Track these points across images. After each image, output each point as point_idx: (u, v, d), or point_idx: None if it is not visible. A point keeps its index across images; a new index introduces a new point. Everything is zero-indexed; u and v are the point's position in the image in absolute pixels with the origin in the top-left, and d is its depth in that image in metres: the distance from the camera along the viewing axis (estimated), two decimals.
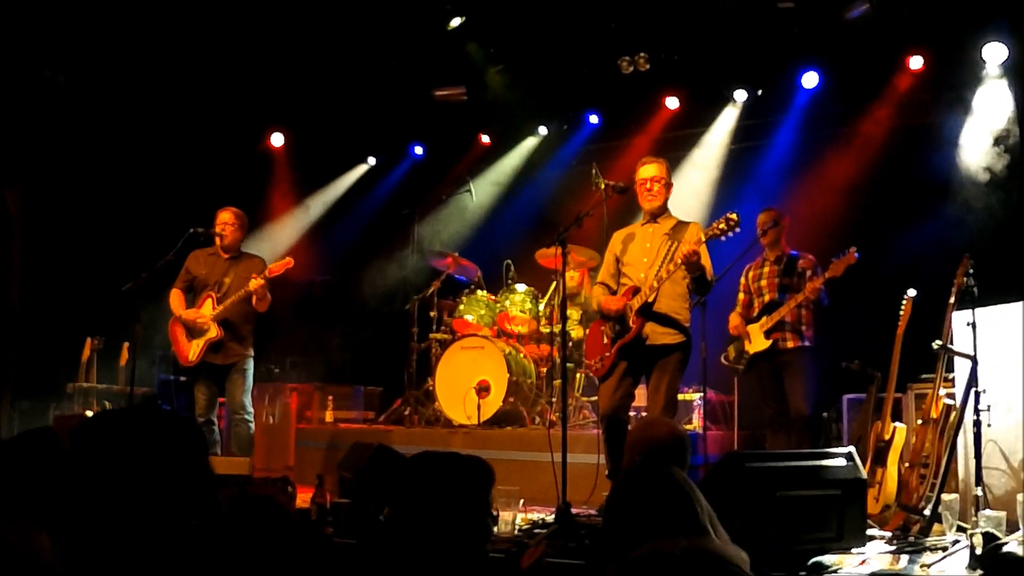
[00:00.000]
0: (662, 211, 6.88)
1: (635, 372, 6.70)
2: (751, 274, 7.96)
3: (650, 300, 6.50)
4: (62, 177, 10.32)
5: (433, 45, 10.30)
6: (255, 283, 7.71)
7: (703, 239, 6.36)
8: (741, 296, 8.02)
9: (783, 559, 4.63)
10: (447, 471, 2.98)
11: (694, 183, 10.43)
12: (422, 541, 2.84)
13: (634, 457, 4.51)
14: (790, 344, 7.51)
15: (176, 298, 8.05)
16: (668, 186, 6.90)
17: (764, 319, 7.58)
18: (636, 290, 6.62)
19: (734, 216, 6.27)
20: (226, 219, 8.06)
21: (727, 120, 10.56)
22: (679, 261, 6.36)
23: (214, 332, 7.84)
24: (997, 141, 8.62)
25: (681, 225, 6.78)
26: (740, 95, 10.28)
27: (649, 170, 6.85)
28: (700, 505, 2.64)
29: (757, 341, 7.61)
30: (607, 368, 6.68)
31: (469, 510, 2.91)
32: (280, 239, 11.58)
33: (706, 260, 6.52)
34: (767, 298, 7.70)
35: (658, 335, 6.55)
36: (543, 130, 11.65)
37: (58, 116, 10.19)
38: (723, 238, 6.33)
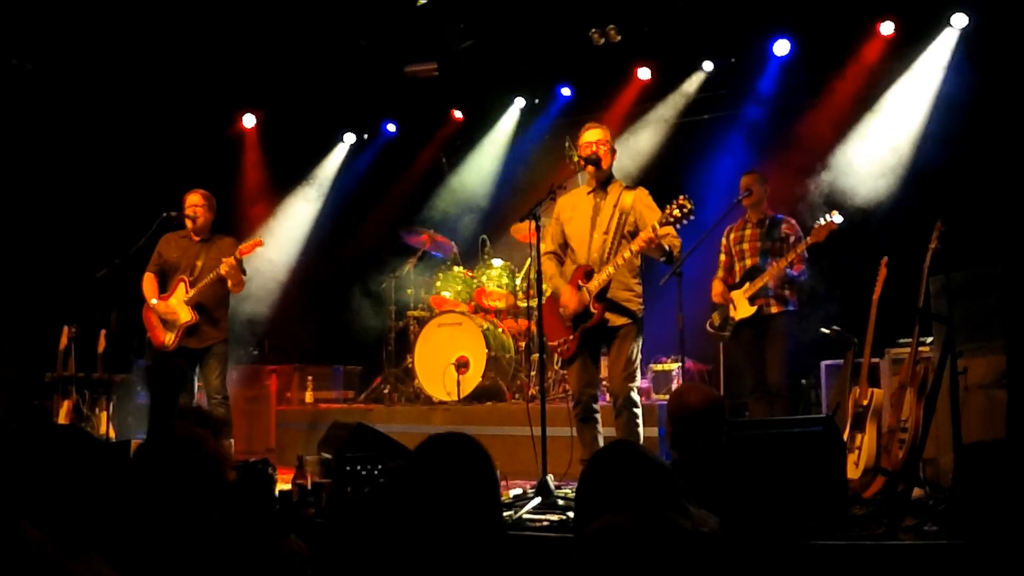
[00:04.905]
0: (608, 178, 6.71)
1: (596, 349, 6.67)
2: (732, 236, 7.92)
3: (607, 284, 6.42)
4: (33, 165, 10.23)
5: (403, 21, 10.22)
6: (226, 264, 7.64)
7: (658, 227, 6.19)
8: (722, 257, 7.98)
9: (763, 526, 4.64)
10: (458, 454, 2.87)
11: (665, 152, 10.43)
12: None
13: (670, 428, 4.52)
14: (774, 309, 7.50)
15: (148, 283, 7.98)
16: (613, 151, 6.73)
17: (747, 285, 7.56)
18: (588, 271, 6.50)
19: (687, 203, 6.15)
20: (196, 201, 7.97)
21: (699, 89, 10.54)
22: (635, 249, 6.29)
23: (188, 316, 7.78)
24: (961, 105, 8.62)
25: (628, 191, 6.62)
26: (711, 65, 10.27)
27: (593, 134, 6.64)
28: (669, 481, 2.64)
29: (742, 308, 7.59)
30: (573, 351, 6.61)
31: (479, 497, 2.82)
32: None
33: (662, 232, 6.30)
34: (749, 263, 7.68)
35: (616, 315, 6.48)
36: (522, 101, 11.62)
37: (27, 103, 10.09)
38: (678, 225, 6.28)
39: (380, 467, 5.75)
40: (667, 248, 6.33)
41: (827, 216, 7.30)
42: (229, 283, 7.77)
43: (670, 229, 6.29)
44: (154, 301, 7.87)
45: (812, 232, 7.33)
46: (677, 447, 4.51)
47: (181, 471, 2.87)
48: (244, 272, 7.94)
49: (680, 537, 2.04)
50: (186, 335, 7.81)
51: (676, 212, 6.17)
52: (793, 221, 7.75)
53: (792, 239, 7.59)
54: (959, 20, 8.89)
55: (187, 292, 7.80)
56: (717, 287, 7.86)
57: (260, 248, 8.06)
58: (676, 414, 4.51)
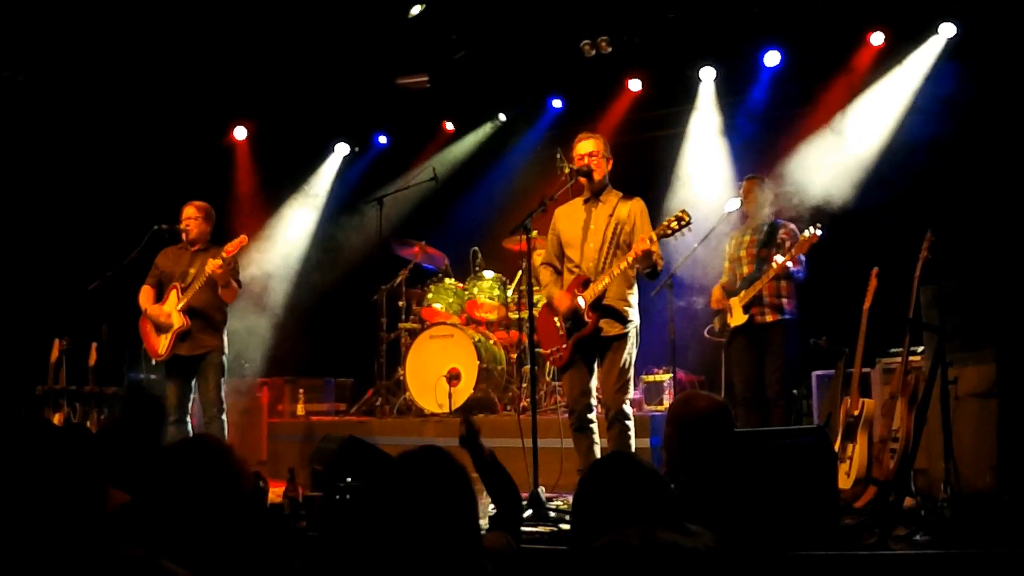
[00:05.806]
0: (603, 187, 6.69)
1: (590, 359, 6.58)
2: (733, 242, 7.94)
3: (602, 294, 6.39)
4: (25, 176, 10.21)
5: (395, 33, 10.24)
6: (211, 265, 7.57)
7: (655, 238, 6.21)
8: (727, 264, 8.01)
9: (756, 538, 4.63)
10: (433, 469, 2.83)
11: (661, 165, 10.44)
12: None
13: (672, 433, 4.50)
14: (768, 319, 7.49)
15: (145, 294, 7.95)
16: (607, 160, 6.69)
17: (743, 293, 7.58)
18: (585, 281, 6.47)
19: (686, 215, 6.20)
20: (189, 213, 7.96)
21: (692, 100, 10.57)
22: (631, 260, 6.27)
23: (179, 322, 7.73)
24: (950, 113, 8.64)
25: (623, 201, 6.61)
26: (703, 74, 10.30)
27: (586, 146, 6.65)
28: (665, 492, 2.63)
29: (737, 315, 7.60)
30: (567, 359, 6.58)
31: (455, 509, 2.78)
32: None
33: (656, 250, 6.32)
34: (745, 270, 7.69)
35: (610, 326, 6.44)
36: (502, 117, 11.75)
37: (19, 115, 10.09)
38: (675, 237, 6.29)
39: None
40: (654, 262, 6.33)
41: (810, 228, 7.31)
42: (219, 287, 7.72)
43: (657, 246, 6.31)
44: (148, 308, 7.85)
45: (796, 244, 7.36)
46: (682, 454, 4.48)
47: (204, 476, 2.85)
48: (239, 282, 7.89)
49: (683, 556, 2.04)
50: (179, 341, 7.75)
51: (674, 224, 6.18)
52: (792, 226, 7.72)
53: (788, 244, 7.60)
54: (947, 30, 8.93)
55: (179, 299, 7.76)
56: (716, 293, 7.88)
57: (254, 258, 8.03)
58: (683, 420, 4.47)
